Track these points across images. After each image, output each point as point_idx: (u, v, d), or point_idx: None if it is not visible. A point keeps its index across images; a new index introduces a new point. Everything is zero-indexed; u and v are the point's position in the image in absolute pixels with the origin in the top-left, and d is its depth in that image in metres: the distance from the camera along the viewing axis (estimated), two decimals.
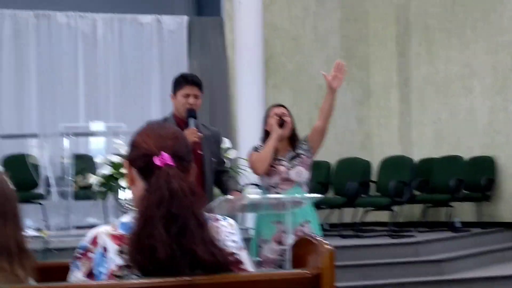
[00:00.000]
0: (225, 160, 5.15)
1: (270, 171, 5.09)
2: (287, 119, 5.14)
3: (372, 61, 11.21)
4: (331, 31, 11.11)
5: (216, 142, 5.01)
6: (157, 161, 1.99)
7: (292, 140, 5.17)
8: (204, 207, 2.01)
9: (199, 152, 4.80)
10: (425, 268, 8.22)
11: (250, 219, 8.07)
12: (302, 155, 5.14)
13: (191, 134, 4.65)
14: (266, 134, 5.18)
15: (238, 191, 4.97)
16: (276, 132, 5.06)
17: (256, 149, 5.19)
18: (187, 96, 4.83)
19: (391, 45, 11.05)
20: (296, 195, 5.03)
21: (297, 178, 5.11)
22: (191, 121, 4.77)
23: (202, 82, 4.98)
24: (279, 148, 5.13)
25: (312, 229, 5.07)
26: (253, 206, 5.00)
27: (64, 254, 6.29)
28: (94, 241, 1.99)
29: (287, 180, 5.09)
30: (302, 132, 5.39)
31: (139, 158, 2.04)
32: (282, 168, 5.10)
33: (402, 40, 11.03)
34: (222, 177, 4.97)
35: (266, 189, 5.14)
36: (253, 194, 5.44)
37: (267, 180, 5.12)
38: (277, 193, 5.05)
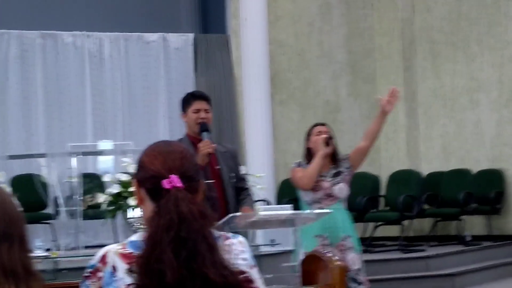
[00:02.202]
0: (243, 177, 5.14)
1: (315, 186, 5.27)
2: (326, 135, 5.32)
3: (379, 75, 11.21)
4: (336, 47, 11.12)
5: (233, 158, 5.02)
6: (165, 184, 1.98)
7: (333, 157, 5.35)
8: (214, 228, 2.00)
9: (216, 167, 4.81)
10: (436, 282, 8.19)
11: (260, 236, 8.03)
12: (344, 173, 5.33)
13: (205, 146, 4.65)
14: (308, 152, 5.35)
15: (249, 207, 4.97)
16: (323, 150, 5.24)
17: (299, 165, 5.36)
18: (198, 111, 4.86)
19: (397, 59, 11.05)
20: (307, 211, 5.11)
21: (340, 194, 5.32)
22: (205, 135, 4.78)
23: (209, 96, 5.02)
24: (322, 164, 5.30)
25: (353, 244, 5.24)
26: (263, 222, 5.00)
27: (73, 274, 6.27)
28: (103, 260, 1.98)
29: (330, 196, 5.29)
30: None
31: (147, 180, 2.03)
32: (326, 184, 5.29)
33: (407, 54, 11.04)
34: (240, 195, 4.97)
35: (310, 204, 5.28)
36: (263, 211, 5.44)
37: (312, 195, 5.29)
38: (321, 208, 5.21)
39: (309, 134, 5.39)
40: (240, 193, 4.97)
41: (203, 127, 4.81)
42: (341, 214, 5.32)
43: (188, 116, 4.88)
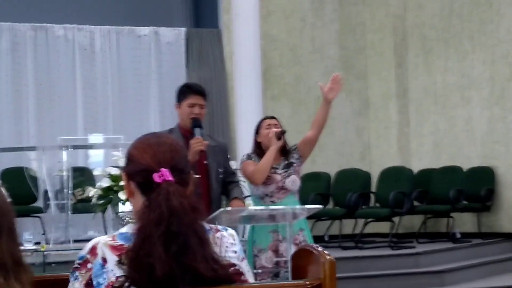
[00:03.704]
0: (233, 171, 5.12)
1: (266, 180, 5.17)
2: (278, 129, 5.22)
3: (370, 72, 11.21)
4: (328, 42, 11.12)
5: (223, 153, 4.99)
6: (156, 178, 1.96)
7: (283, 148, 5.25)
8: (205, 221, 1.99)
9: (204, 162, 4.79)
10: (425, 279, 8.19)
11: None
12: (294, 164, 5.24)
13: (197, 143, 4.62)
14: (257, 145, 5.25)
15: (239, 198, 4.96)
16: (275, 144, 5.14)
17: (249, 157, 5.25)
18: (192, 106, 4.81)
19: (389, 56, 11.05)
20: (297, 206, 5.05)
21: (292, 187, 5.21)
22: (197, 131, 4.75)
23: (206, 91, 4.97)
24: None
25: (306, 237, 5.15)
26: (250, 218, 4.98)
27: (63, 268, 6.26)
28: (93, 252, 1.97)
29: (283, 189, 5.18)
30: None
31: (138, 174, 2.02)
32: (278, 177, 5.19)
33: (399, 50, 11.04)
34: (228, 187, 4.96)
35: (261, 198, 5.19)
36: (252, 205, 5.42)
37: (263, 189, 5.19)
38: (273, 202, 5.14)
39: (258, 128, 5.28)
40: (228, 186, 4.96)
41: (196, 123, 4.78)
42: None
43: (182, 108, 4.84)
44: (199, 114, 4.80)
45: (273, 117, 5.39)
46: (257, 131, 5.29)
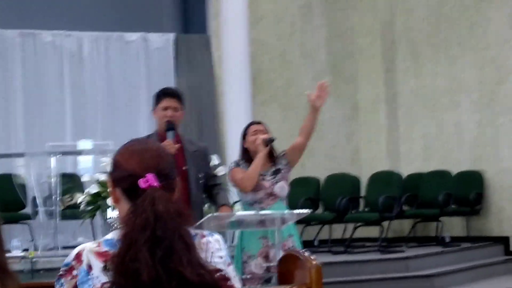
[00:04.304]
0: (214, 174, 5.11)
1: (255, 186, 5.16)
2: (265, 136, 5.21)
3: (360, 76, 11.23)
4: (318, 47, 11.13)
5: (204, 157, 4.97)
6: (141, 183, 1.96)
7: (271, 154, 5.24)
8: (191, 226, 1.99)
9: (183, 168, 4.77)
10: (415, 283, 8.21)
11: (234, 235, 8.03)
12: (282, 170, 5.24)
13: (166, 146, 4.61)
14: (244, 151, 5.24)
15: (227, 205, 4.95)
16: (263, 151, 5.13)
17: (237, 164, 5.24)
18: (166, 108, 4.82)
19: (378, 60, 11.08)
20: (285, 211, 5.05)
21: (281, 193, 5.21)
22: (169, 134, 4.74)
23: (182, 94, 4.96)
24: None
25: (295, 243, 5.15)
26: (239, 223, 4.97)
27: (51, 275, 6.23)
28: (78, 258, 1.97)
29: (271, 195, 5.18)
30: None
31: (123, 180, 2.01)
32: (267, 184, 5.18)
33: (388, 55, 11.07)
34: (213, 191, 4.94)
35: (251, 204, 5.18)
36: (241, 211, 5.41)
37: (252, 196, 5.18)
38: (262, 208, 5.12)
39: (245, 134, 5.27)
40: (211, 189, 4.94)
41: (169, 126, 4.77)
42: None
43: (157, 113, 4.86)
44: (173, 117, 4.79)
45: (259, 122, 5.38)
46: (243, 137, 5.28)
